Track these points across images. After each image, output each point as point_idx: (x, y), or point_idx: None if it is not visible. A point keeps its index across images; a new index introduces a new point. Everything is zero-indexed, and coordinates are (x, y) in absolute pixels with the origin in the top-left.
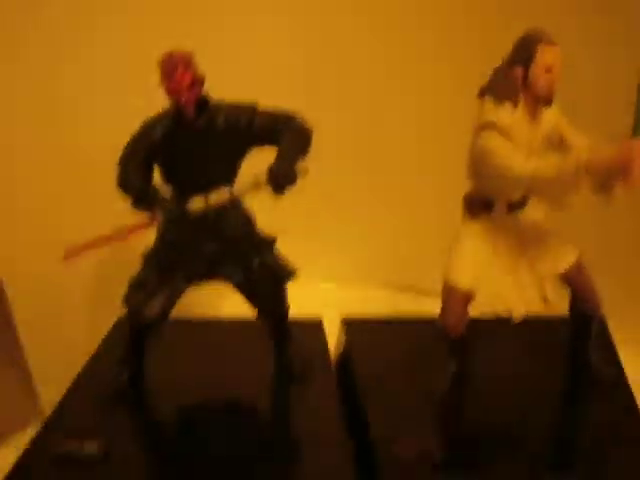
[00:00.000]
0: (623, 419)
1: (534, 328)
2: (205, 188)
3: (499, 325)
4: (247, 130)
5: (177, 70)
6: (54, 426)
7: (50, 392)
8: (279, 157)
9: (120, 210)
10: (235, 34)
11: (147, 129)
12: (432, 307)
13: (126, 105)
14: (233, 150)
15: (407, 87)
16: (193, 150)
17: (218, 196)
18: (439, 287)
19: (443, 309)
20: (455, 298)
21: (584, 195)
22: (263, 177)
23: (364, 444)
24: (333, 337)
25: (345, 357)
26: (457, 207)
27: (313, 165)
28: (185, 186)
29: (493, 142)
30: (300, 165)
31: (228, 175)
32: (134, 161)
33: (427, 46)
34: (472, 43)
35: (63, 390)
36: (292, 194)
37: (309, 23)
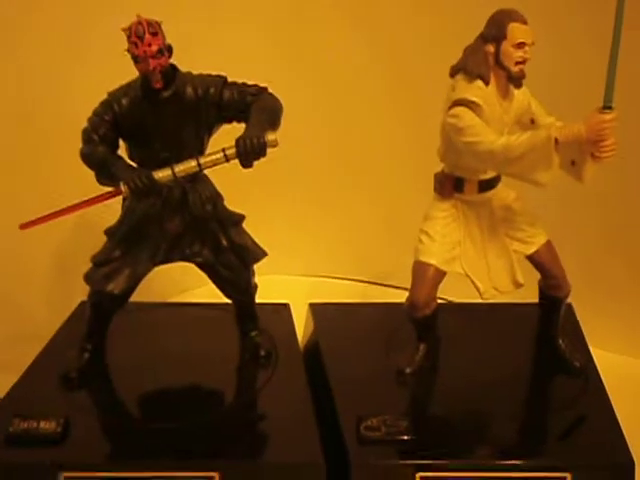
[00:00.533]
0: (592, 403)
1: (504, 313)
2: (172, 164)
3: (469, 309)
4: (216, 102)
5: (144, 37)
6: (9, 406)
7: (8, 379)
8: (247, 128)
9: (88, 184)
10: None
11: (112, 100)
12: (401, 299)
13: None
14: (201, 123)
15: (382, 80)
16: (160, 122)
17: (185, 166)
18: (408, 281)
19: (412, 287)
20: (425, 276)
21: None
22: (231, 149)
23: (332, 425)
24: (300, 327)
25: (313, 340)
26: (427, 200)
27: (283, 154)
28: (151, 161)
29: (463, 118)
30: (269, 136)
31: (196, 151)
32: (98, 132)
33: (400, 39)
34: (444, 32)
35: None
36: (260, 183)
37: (284, 15)
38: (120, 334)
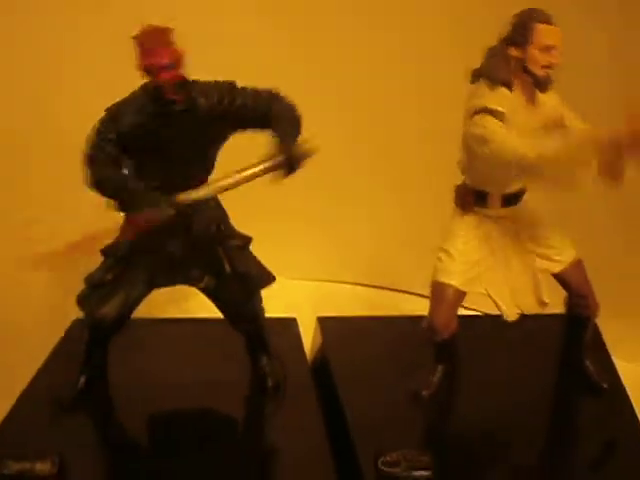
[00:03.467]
0: (620, 425)
1: (526, 326)
2: (183, 181)
3: (488, 322)
4: (231, 112)
5: (158, 47)
6: (1, 443)
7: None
8: (283, 136)
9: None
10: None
11: (115, 116)
12: (410, 305)
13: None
14: (215, 136)
15: (390, 85)
16: (171, 137)
17: (222, 182)
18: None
19: (432, 309)
20: (444, 298)
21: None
22: (275, 158)
23: (348, 458)
24: (308, 337)
25: (322, 360)
26: (435, 205)
27: None
28: (159, 181)
29: (487, 126)
30: (307, 143)
31: (206, 165)
32: (105, 153)
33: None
34: (461, 35)
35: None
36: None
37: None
38: (118, 355)
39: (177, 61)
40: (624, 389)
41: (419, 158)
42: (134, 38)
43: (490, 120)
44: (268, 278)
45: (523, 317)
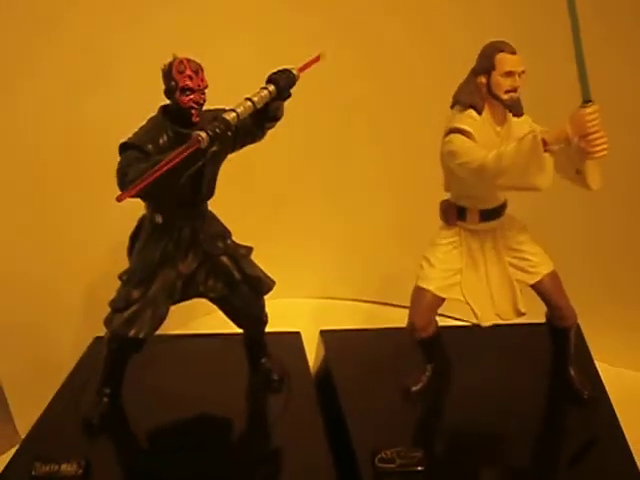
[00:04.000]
0: (604, 433)
1: (515, 334)
2: (193, 205)
3: (478, 332)
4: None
5: (199, 72)
6: (30, 449)
7: (27, 414)
8: (273, 75)
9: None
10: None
11: (138, 145)
12: (406, 317)
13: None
14: (220, 157)
15: (373, 99)
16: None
17: (244, 107)
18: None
19: (411, 311)
20: (422, 301)
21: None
22: (269, 86)
23: (346, 456)
24: (310, 351)
25: (324, 368)
26: (431, 221)
27: (285, 185)
28: (172, 206)
29: (455, 143)
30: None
31: (212, 187)
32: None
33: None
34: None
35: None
36: (264, 210)
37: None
38: (133, 370)
39: (204, 88)
40: (607, 395)
41: (418, 175)
42: (171, 63)
43: (458, 137)
44: (271, 282)
45: (511, 327)
